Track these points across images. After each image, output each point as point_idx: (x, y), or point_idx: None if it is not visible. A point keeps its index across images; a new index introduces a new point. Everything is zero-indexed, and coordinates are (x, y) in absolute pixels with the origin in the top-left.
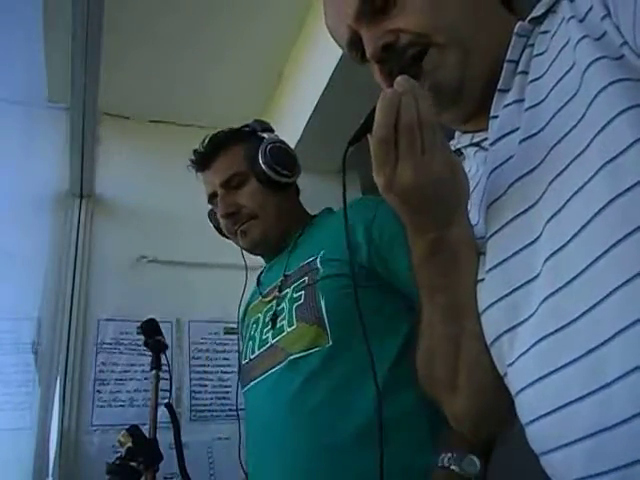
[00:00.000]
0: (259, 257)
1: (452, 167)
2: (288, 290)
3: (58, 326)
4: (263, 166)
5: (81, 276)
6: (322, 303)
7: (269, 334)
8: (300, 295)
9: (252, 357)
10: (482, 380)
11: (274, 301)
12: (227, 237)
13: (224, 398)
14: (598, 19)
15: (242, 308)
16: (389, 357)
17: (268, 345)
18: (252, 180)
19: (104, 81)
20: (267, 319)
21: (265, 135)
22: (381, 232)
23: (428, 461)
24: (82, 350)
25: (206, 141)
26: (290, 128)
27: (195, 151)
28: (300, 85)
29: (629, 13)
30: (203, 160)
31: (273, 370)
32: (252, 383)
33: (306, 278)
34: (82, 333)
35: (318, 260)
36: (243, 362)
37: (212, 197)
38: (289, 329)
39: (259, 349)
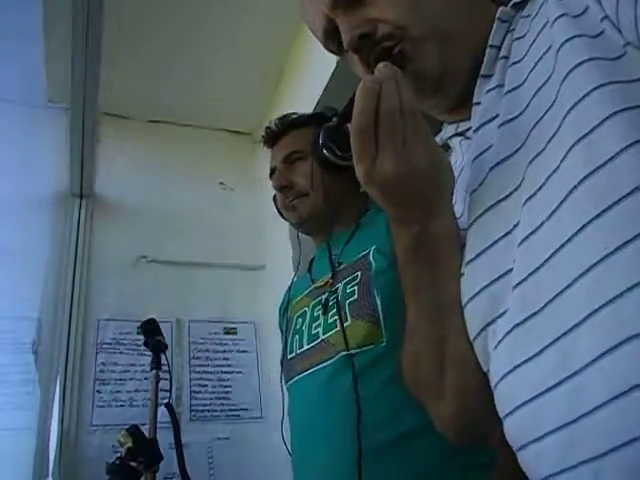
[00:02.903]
0: (261, 259)
1: (435, 157)
2: (340, 285)
3: (58, 326)
4: (321, 146)
5: (81, 276)
6: (377, 300)
7: (319, 329)
8: (354, 291)
9: (299, 351)
10: (468, 382)
11: (323, 295)
12: (284, 217)
13: (224, 398)
14: None
15: (285, 300)
16: None
17: (318, 340)
18: (310, 159)
19: (104, 81)
20: (315, 313)
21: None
22: None
23: (446, 472)
24: (82, 350)
25: (278, 120)
26: None
27: (267, 128)
28: (300, 85)
29: None
30: (271, 137)
31: (323, 365)
32: (298, 377)
33: (359, 273)
34: (82, 333)
35: (370, 254)
36: (289, 356)
37: (272, 172)
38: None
39: (308, 343)
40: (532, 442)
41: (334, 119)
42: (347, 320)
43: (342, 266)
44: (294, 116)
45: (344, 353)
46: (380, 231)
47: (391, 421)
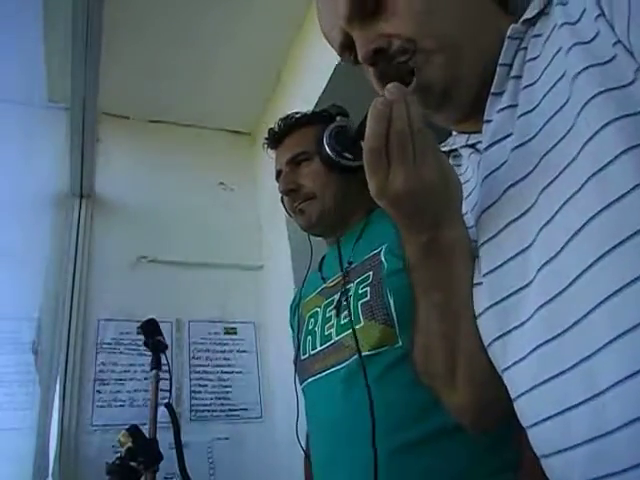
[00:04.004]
0: (261, 259)
1: (444, 172)
2: (352, 285)
3: (58, 326)
4: (327, 147)
5: (81, 276)
6: (390, 301)
7: (332, 330)
8: (366, 291)
9: (313, 352)
10: (480, 375)
11: (335, 295)
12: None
13: (224, 398)
14: (592, 20)
15: (296, 297)
16: None
17: (332, 341)
18: (316, 160)
19: (104, 81)
20: (328, 314)
21: (338, 119)
22: None
23: (472, 473)
24: (82, 350)
25: (280, 120)
26: None
27: (270, 129)
28: (299, 85)
29: (623, 10)
30: (275, 138)
31: (338, 367)
32: (312, 378)
33: (371, 273)
34: (82, 333)
35: (382, 254)
36: (302, 357)
37: (278, 175)
38: (355, 327)
39: (321, 345)
40: (557, 453)
41: (338, 118)
42: (360, 322)
43: (353, 265)
44: (297, 115)
45: (358, 356)
46: (389, 229)
47: (416, 421)
